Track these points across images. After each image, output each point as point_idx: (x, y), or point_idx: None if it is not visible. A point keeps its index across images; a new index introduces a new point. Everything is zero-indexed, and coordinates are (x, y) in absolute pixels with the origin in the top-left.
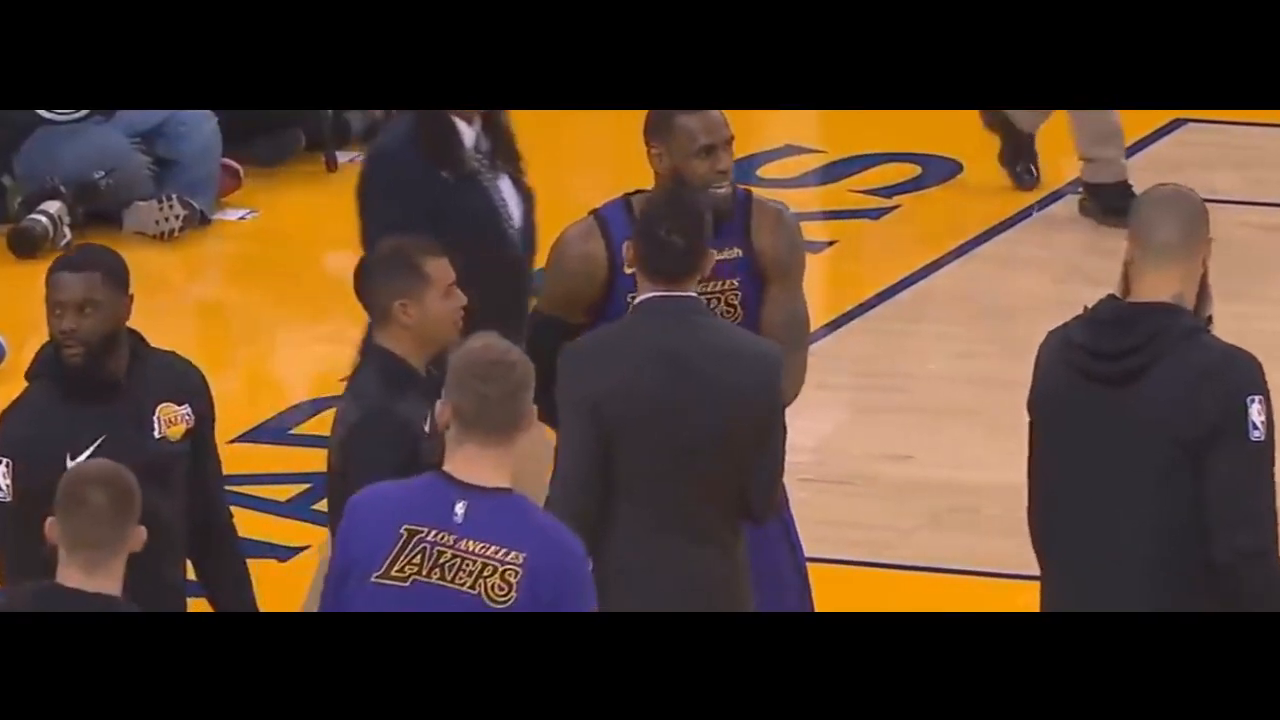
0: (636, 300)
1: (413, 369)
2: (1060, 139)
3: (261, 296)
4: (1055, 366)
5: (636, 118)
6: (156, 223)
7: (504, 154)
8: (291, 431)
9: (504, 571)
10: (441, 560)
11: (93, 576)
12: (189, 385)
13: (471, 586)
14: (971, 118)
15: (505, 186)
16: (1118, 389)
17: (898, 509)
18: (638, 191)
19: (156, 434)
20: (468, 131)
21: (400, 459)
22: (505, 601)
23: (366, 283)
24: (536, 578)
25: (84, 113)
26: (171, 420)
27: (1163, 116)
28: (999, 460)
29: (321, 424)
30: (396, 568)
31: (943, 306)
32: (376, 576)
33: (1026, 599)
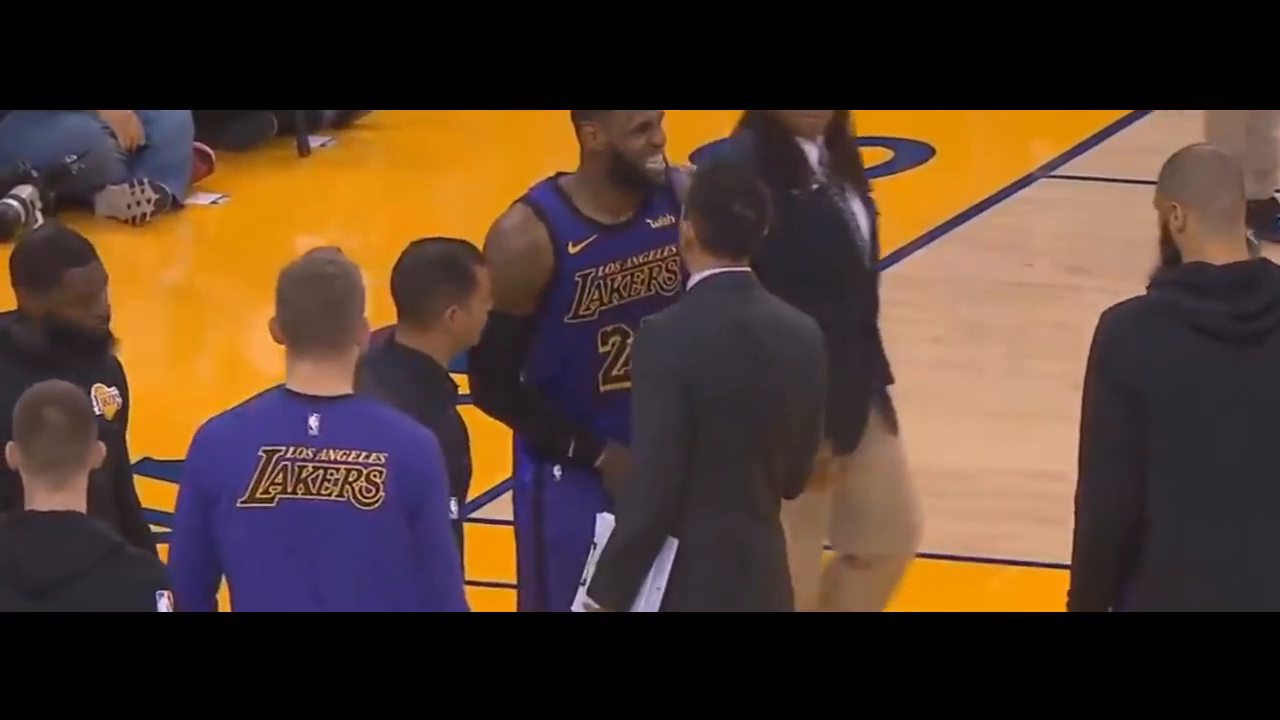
0: (701, 276)
1: (447, 374)
2: (1031, 120)
3: (233, 281)
4: (1170, 334)
5: None
6: (128, 207)
7: (847, 169)
8: None
9: (369, 473)
10: (304, 475)
11: (57, 494)
12: (117, 372)
13: (339, 494)
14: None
15: (852, 199)
16: (1246, 348)
17: None
18: (560, 174)
19: (96, 410)
20: (811, 149)
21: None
22: (374, 503)
23: (415, 285)
24: (401, 475)
25: None
26: (106, 400)
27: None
28: (969, 445)
29: None
30: (261, 490)
31: (914, 291)
32: (242, 501)
33: (994, 583)
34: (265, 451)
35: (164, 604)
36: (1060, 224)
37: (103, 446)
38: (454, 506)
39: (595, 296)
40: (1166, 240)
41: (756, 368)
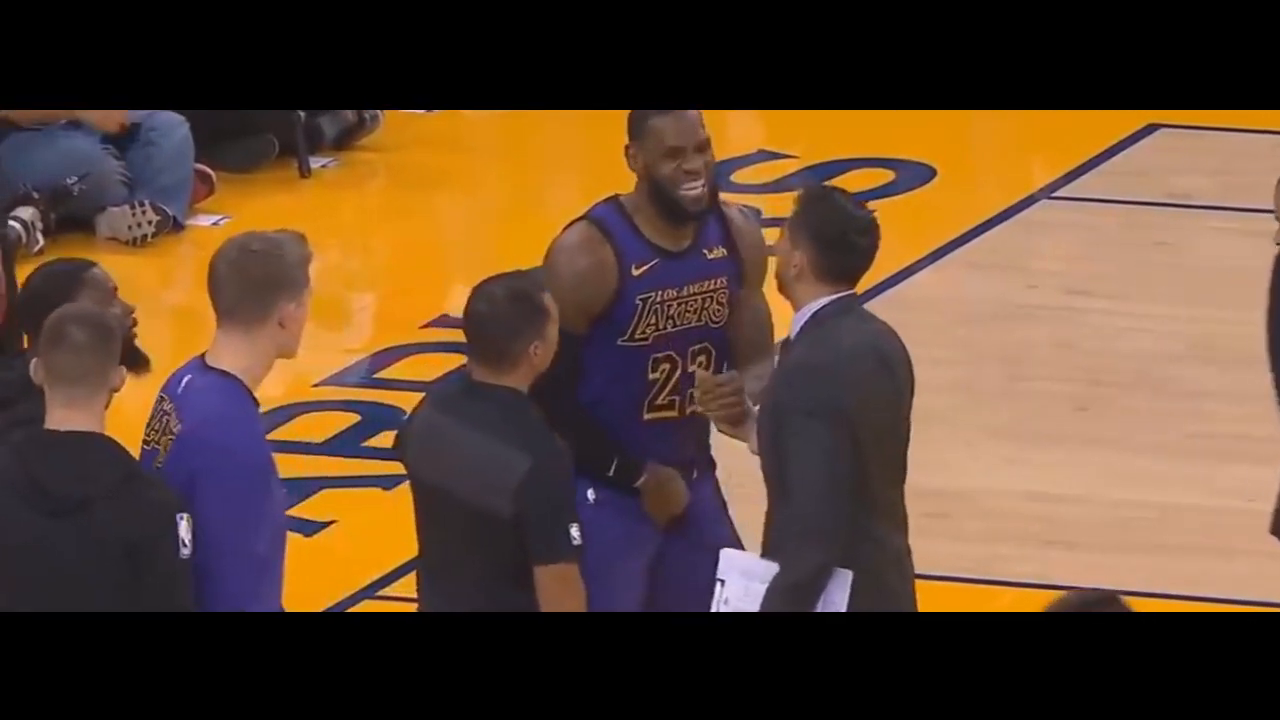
0: (820, 304)
1: (531, 403)
2: (1033, 141)
3: None
4: None
5: (607, 119)
6: (129, 228)
7: None
8: (265, 438)
9: (167, 442)
10: (168, 427)
11: (75, 412)
12: None
13: (164, 454)
14: (945, 121)
15: None
16: None
17: None
18: (618, 195)
19: None
20: None
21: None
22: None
23: (497, 332)
24: (182, 449)
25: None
26: None
27: (1137, 121)
28: (971, 467)
29: (293, 430)
30: (149, 434)
31: (916, 312)
32: (144, 441)
33: (993, 605)
34: (159, 398)
35: (184, 527)
36: (1062, 245)
37: (123, 371)
38: (575, 532)
39: (652, 321)
40: None
41: (893, 387)
